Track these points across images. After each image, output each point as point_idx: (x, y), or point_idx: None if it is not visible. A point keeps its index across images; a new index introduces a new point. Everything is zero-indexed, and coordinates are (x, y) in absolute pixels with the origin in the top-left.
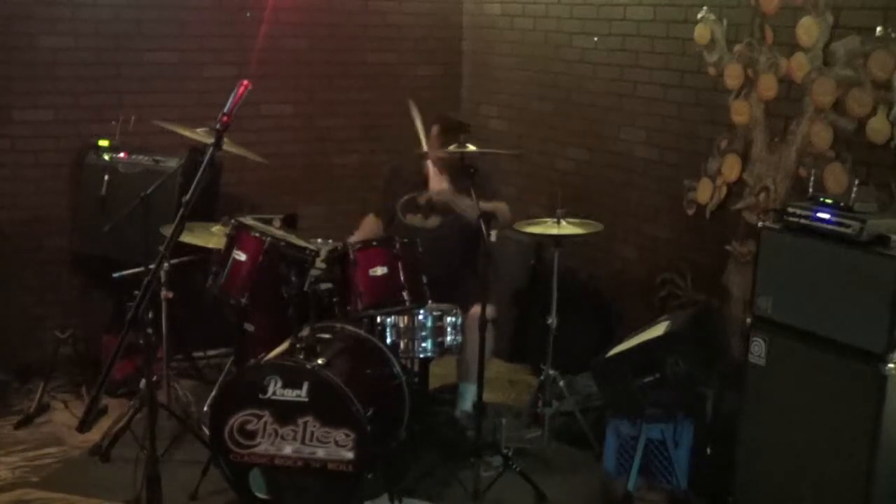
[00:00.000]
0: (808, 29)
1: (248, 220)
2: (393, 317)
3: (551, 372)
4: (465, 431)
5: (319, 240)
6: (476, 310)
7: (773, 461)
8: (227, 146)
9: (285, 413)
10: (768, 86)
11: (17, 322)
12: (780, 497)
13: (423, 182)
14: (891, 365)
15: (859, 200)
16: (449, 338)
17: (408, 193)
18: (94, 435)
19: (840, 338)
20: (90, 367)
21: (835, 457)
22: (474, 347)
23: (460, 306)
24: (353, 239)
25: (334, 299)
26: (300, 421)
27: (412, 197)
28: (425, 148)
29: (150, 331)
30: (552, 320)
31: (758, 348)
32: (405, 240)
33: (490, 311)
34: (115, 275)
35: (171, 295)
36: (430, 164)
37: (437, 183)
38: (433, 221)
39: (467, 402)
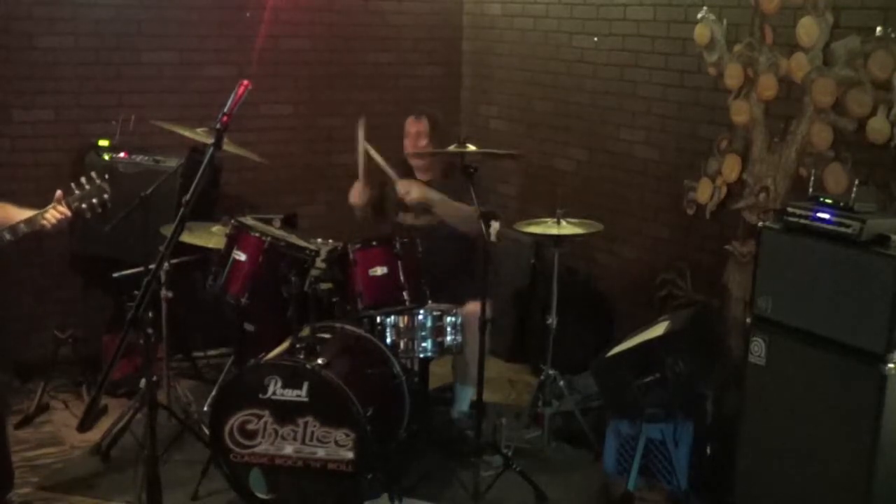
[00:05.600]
0: (808, 29)
1: (248, 220)
2: (393, 317)
3: (551, 372)
4: (464, 432)
5: (319, 240)
6: (471, 307)
7: (773, 461)
8: (227, 146)
9: (285, 413)
10: (768, 86)
11: (17, 322)
12: (780, 497)
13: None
14: (891, 365)
15: (859, 200)
16: (449, 338)
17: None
18: (94, 435)
19: (840, 338)
20: (90, 367)
21: (835, 457)
22: (472, 348)
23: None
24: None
25: (334, 299)
26: (300, 421)
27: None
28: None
29: (150, 331)
30: (552, 320)
31: (758, 348)
32: (405, 240)
33: (487, 309)
34: (115, 275)
35: (171, 295)
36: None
37: (405, 186)
38: (425, 220)
39: (464, 403)
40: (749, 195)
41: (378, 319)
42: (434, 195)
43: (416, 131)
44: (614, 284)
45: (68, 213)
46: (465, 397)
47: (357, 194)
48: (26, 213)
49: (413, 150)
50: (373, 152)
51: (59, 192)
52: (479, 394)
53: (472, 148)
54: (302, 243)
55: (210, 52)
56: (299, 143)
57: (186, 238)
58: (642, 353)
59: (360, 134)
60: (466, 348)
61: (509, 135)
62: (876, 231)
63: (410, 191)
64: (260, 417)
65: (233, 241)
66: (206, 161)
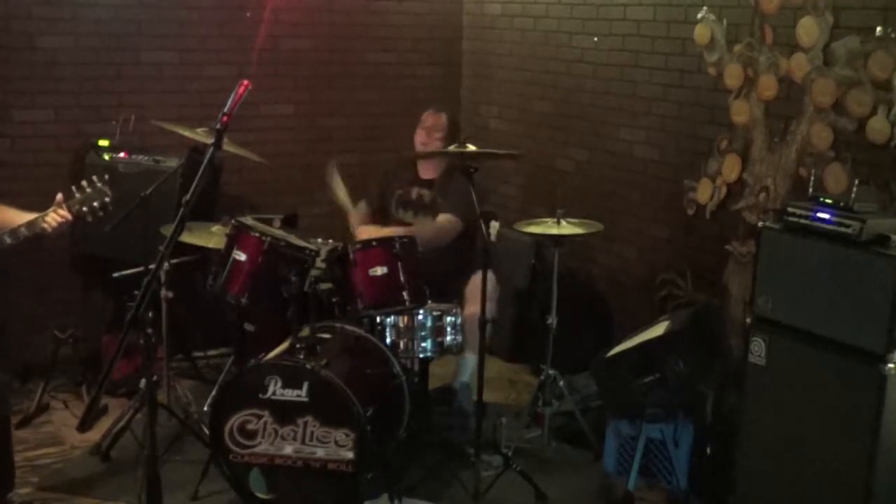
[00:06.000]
0: (808, 29)
1: (248, 220)
2: (393, 317)
3: (551, 372)
4: (466, 417)
5: (319, 240)
6: (471, 310)
7: (773, 461)
8: (227, 146)
9: (285, 413)
10: (768, 86)
11: (17, 322)
12: (780, 497)
13: (415, 179)
14: (891, 365)
15: (859, 200)
16: (449, 338)
17: (399, 190)
18: (94, 435)
19: (840, 338)
20: (90, 367)
21: (835, 457)
22: (471, 346)
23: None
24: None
25: (334, 299)
26: (300, 421)
27: (404, 192)
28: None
29: (150, 331)
30: (552, 320)
31: (758, 348)
32: (405, 239)
33: (490, 307)
34: (115, 275)
35: (171, 295)
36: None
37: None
38: (424, 219)
39: (466, 373)
40: (749, 195)
41: (378, 319)
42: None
43: (432, 123)
44: (614, 284)
45: (69, 216)
46: (467, 367)
47: (358, 221)
48: (26, 216)
49: (426, 140)
50: (341, 191)
51: (59, 196)
52: (480, 394)
53: (472, 148)
54: (302, 243)
55: (210, 52)
56: (299, 143)
57: (186, 238)
58: (642, 353)
59: (335, 177)
60: (466, 347)
61: (509, 135)
62: (876, 231)
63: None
64: (260, 417)
65: (233, 241)
66: (206, 161)
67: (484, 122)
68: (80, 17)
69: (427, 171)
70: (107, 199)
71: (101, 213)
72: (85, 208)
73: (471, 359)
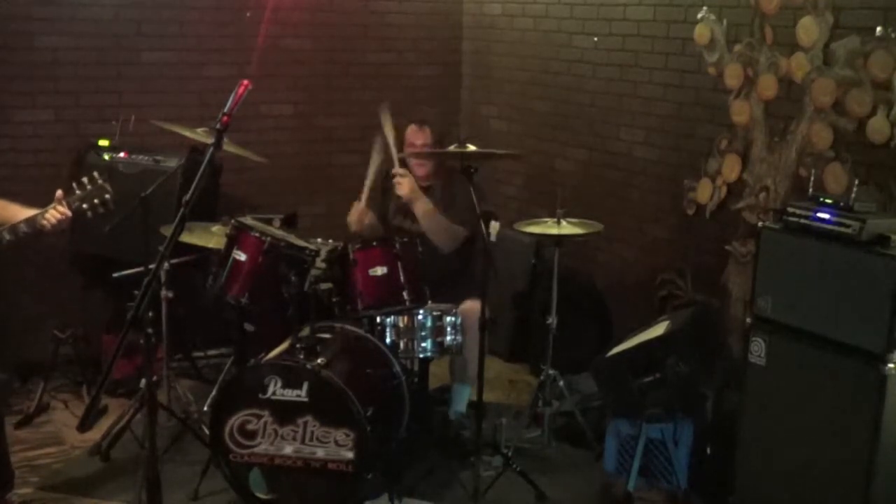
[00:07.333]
0: (808, 29)
1: (248, 220)
2: (393, 317)
3: (551, 372)
4: (462, 431)
5: (319, 240)
6: (469, 305)
7: (773, 461)
8: (227, 146)
9: (285, 413)
10: (768, 86)
11: (17, 322)
12: (780, 497)
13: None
14: (891, 365)
15: (859, 200)
16: (449, 338)
17: (396, 196)
18: (94, 435)
19: (840, 338)
20: (90, 367)
21: (835, 457)
22: (470, 347)
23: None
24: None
25: (334, 299)
26: (300, 421)
27: (398, 198)
28: (395, 159)
29: (150, 331)
30: (552, 320)
31: (758, 348)
32: (405, 240)
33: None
34: (115, 275)
35: (171, 295)
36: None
37: (401, 175)
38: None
39: (461, 404)
40: (749, 195)
41: (378, 319)
42: (423, 202)
43: (421, 143)
44: (614, 284)
45: (68, 213)
46: (463, 397)
47: (357, 219)
48: (28, 213)
49: (416, 159)
50: (391, 136)
51: (59, 192)
52: (479, 394)
53: (472, 148)
54: (302, 243)
55: (210, 52)
56: (299, 143)
57: (186, 238)
58: (642, 353)
59: (387, 122)
60: (464, 347)
61: (509, 135)
62: (876, 231)
63: (403, 183)
64: (260, 417)
65: (233, 241)
66: (206, 161)
67: (484, 122)
68: (80, 17)
69: (423, 178)
70: (107, 196)
71: (101, 210)
72: (85, 205)
73: (465, 389)
